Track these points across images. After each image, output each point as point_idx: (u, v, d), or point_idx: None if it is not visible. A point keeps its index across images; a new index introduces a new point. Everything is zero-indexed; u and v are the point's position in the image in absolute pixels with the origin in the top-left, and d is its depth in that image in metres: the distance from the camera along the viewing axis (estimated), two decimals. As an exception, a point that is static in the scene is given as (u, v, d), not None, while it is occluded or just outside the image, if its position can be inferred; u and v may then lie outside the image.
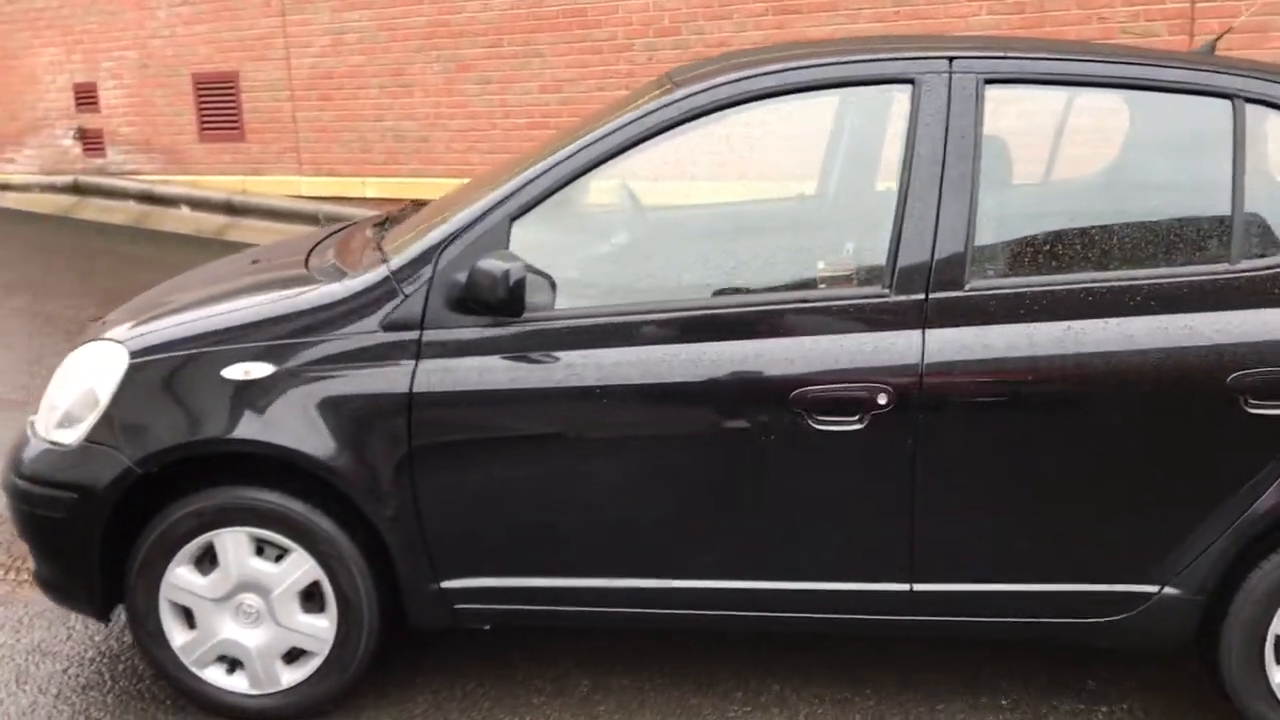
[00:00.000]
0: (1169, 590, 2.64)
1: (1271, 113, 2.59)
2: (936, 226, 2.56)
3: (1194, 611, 2.65)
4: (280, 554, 2.77)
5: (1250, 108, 2.58)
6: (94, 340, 2.90)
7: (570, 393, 2.61)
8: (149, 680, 3.06)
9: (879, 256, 2.60)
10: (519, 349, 2.63)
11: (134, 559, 2.78)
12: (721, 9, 7.83)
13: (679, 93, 2.68)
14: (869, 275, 2.64)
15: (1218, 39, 3.17)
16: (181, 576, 2.79)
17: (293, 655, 2.85)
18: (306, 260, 3.05)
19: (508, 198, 2.67)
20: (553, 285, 2.68)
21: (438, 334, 2.65)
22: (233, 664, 2.87)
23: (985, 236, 2.60)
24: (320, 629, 2.80)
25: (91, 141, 12.10)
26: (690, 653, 3.17)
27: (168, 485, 2.77)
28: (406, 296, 2.66)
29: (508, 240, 2.65)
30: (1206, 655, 2.72)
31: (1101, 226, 2.66)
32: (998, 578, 2.68)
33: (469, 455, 2.68)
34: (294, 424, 2.66)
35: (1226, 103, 2.59)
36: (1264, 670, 2.62)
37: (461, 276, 2.60)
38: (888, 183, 2.60)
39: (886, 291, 2.57)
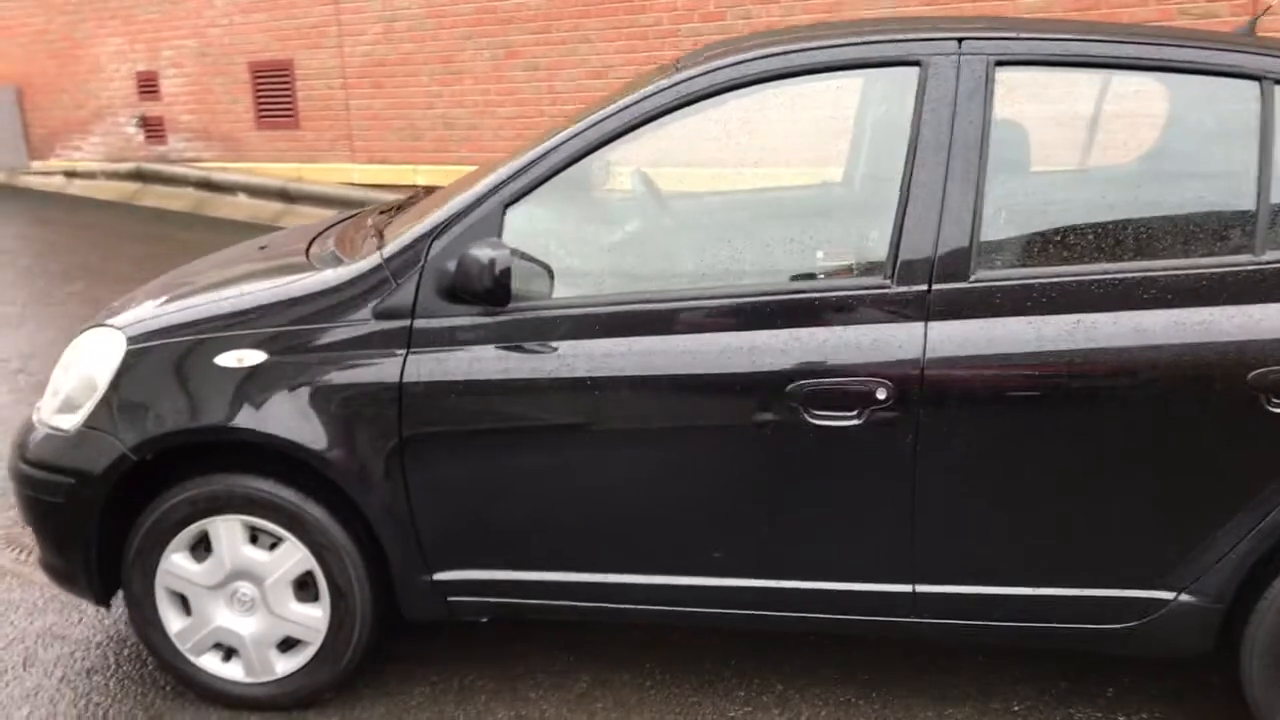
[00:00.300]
0: (1185, 597, 2.51)
1: (1302, 95, 2.44)
2: (941, 215, 2.45)
3: (1212, 620, 2.52)
4: (274, 542, 2.76)
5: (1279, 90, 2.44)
6: (95, 326, 2.90)
7: (560, 384, 2.55)
8: (151, 665, 3.07)
9: (880, 246, 2.50)
10: (509, 339, 2.57)
11: (131, 545, 2.79)
12: (768, -8, 7.72)
13: (676, 76, 2.60)
14: (869, 265, 2.55)
15: (1258, 18, 3.01)
16: (177, 563, 2.79)
17: (288, 644, 2.84)
18: (309, 247, 3.03)
19: (501, 184, 2.62)
20: (550, 274, 2.62)
21: (429, 323, 2.61)
22: (228, 652, 2.87)
23: (993, 225, 2.49)
24: (314, 619, 2.79)
25: (153, 129, 12.31)
26: (695, 650, 3.11)
27: (168, 471, 2.78)
28: (398, 285, 2.62)
29: (500, 227, 2.59)
30: (1228, 666, 2.59)
31: (1117, 215, 2.53)
32: (1004, 581, 2.58)
33: (459, 446, 2.64)
34: (285, 412, 2.63)
35: (1254, 84, 2.45)
36: (1287, 684, 2.50)
37: (452, 265, 2.56)
38: (891, 169, 2.49)
39: (887, 282, 2.47)
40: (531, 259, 2.59)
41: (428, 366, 2.59)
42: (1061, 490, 2.49)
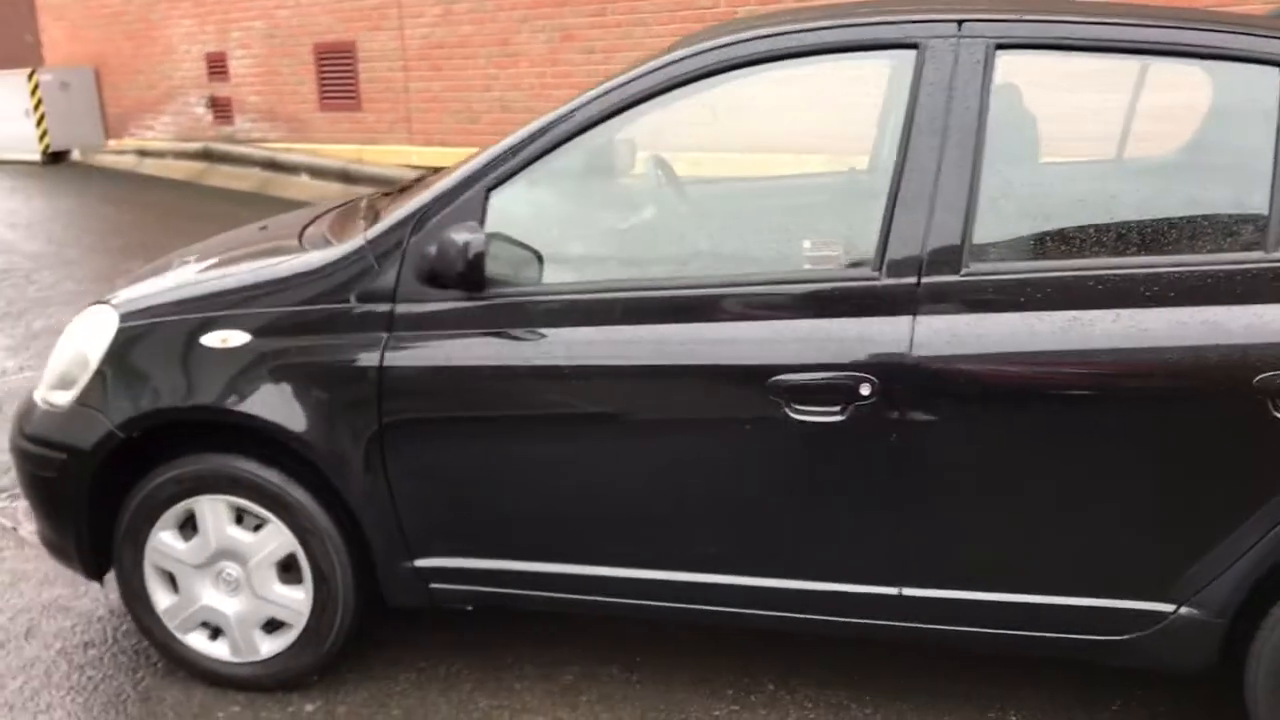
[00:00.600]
0: (1186, 610, 2.39)
1: (1326, 83, 2.29)
2: (933, 205, 2.35)
3: (1215, 635, 2.39)
4: (259, 524, 2.76)
5: (1300, 76, 2.29)
6: (94, 303, 2.92)
7: (537, 372, 2.50)
8: (144, 642, 3.09)
9: (869, 236, 2.39)
10: (488, 324, 2.53)
11: (121, 522, 2.81)
12: (824, -24, 7.57)
13: (666, 58, 2.53)
14: (857, 256, 2.45)
15: (1298, 1, 2.85)
16: (164, 541, 2.80)
17: (273, 626, 2.84)
18: (303, 230, 3.02)
19: (485, 167, 2.57)
20: (540, 259, 2.57)
21: (410, 307, 2.57)
22: (215, 631, 2.88)
23: (988, 217, 2.37)
24: (296, 601, 2.78)
25: (221, 110, 12.53)
26: (687, 645, 3.05)
27: (161, 449, 2.79)
28: (381, 268, 2.59)
29: (483, 212, 2.55)
30: (1234, 683, 2.46)
31: (1119, 207, 2.41)
32: (995, 586, 2.47)
33: (438, 432, 2.61)
34: (267, 394, 2.63)
35: (1275, 71, 2.30)
36: (1293, 705, 2.36)
37: (433, 249, 2.52)
38: (883, 158, 2.39)
39: (875, 274, 2.38)
40: (519, 244, 2.55)
41: (408, 351, 2.56)
42: (1053, 494, 2.38)
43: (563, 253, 2.71)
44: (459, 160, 2.91)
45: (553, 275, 2.59)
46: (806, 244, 2.50)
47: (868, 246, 2.40)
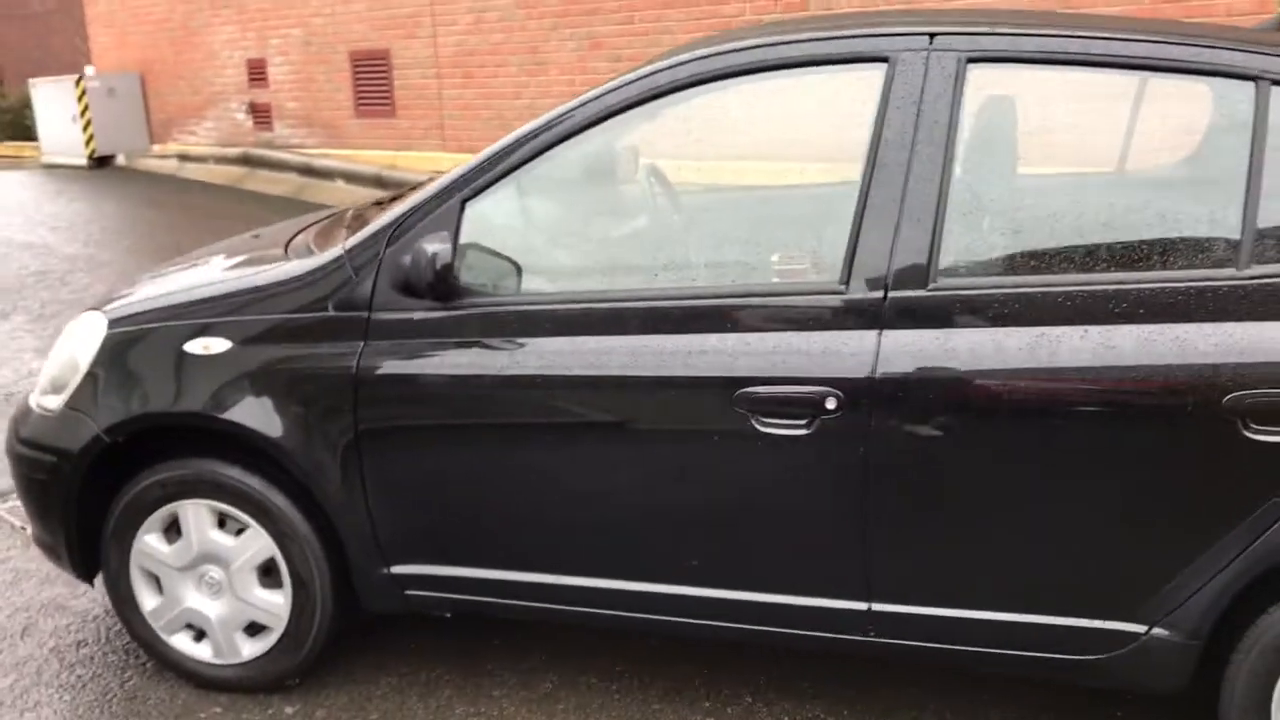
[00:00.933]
0: (1158, 631, 2.35)
1: (1303, 98, 2.25)
2: (899, 219, 2.34)
3: (1188, 658, 2.36)
4: (241, 528, 2.80)
5: (1277, 91, 2.25)
6: (88, 309, 2.98)
7: (508, 381, 2.52)
8: (134, 643, 3.15)
9: (836, 250, 2.39)
10: (458, 334, 2.56)
11: (108, 524, 2.86)
12: (851, -17, 7.55)
13: (640, 71, 2.54)
14: (824, 270, 2.45)
15: (1288, 13, 2.80)
16: (150, 544, 2.86)
17: (254, 629, 2.88)
18: (291, 239, 3.06)
19: (461, 178, 2.60)
20: (518, 269, 2.60)
21: (385, 316, 2.61)
22: (200, 633, 2.93)
23: (956, 231, 2.35)
24: (276, 605, 2.82)
25: (261, 115, 12.71)
26: (667, 655, 3.05)
27: (150, 454, 2.84)
28: (358, 278, 2.63)
29: (458, 222, 2.57)
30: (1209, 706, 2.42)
31: (1090, 223, 2.37)
32: (965, 603, 2.45)
33: (412, 440, 2.64)
34: (246, 401, 2.67)
35: (1249, 85, 2.26)
36: (1268, 731, 2.32)
37: (407, 259, 2.55)
38: (851, 171, 2.38)
39: (842, 288, 2.37)
40: (495, 254, 2.58)
41: (383, 359, 2.59)
42: (1021, 511, 2.36)
43: (538, 263, 2.73)
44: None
45: (529, 285, 2.62)
46: (775, 257, 2.50)
47: (835, 260, 2.39)
